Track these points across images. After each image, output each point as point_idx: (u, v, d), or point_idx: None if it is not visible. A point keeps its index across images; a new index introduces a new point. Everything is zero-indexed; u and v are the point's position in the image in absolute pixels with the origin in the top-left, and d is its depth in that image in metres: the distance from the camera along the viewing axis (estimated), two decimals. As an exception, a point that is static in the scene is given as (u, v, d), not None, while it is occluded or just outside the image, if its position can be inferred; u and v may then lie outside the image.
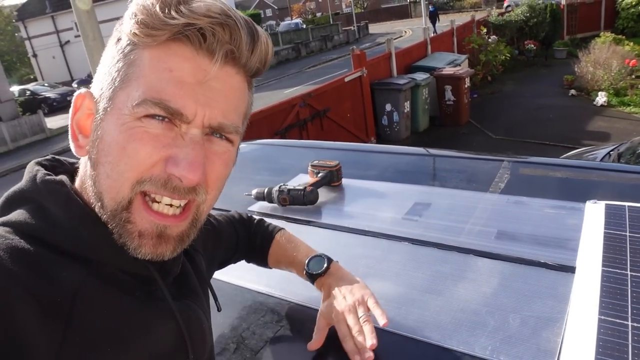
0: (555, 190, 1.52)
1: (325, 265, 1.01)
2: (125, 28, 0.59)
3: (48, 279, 0.54)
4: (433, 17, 26.41)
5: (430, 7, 27.03)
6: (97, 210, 0.60)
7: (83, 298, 0.55)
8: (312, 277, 1.02)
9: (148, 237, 0.59)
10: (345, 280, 0.98)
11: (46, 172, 0.63)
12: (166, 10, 0.56)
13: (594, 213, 1.30)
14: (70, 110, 0.63)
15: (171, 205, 0.60)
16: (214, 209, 0.73)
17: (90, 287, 0.57)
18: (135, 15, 0.57)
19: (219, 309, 0.81)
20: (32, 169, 0.64)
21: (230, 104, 0.61)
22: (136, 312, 0.61)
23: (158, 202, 0.59)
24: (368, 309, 0.91)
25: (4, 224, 0.58)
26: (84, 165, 0.64)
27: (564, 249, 1.18)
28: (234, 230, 1.09)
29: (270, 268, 1.14)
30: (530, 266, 1.13)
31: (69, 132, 0.63)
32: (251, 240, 1.12)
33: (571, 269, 1.09)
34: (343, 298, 0.94)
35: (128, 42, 0.59)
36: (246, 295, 1.18)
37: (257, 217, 1.18)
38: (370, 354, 0.85)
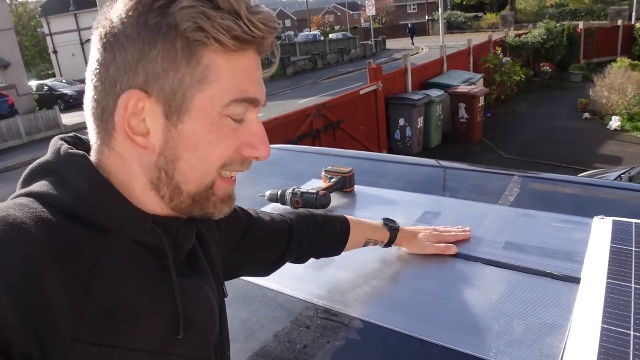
0: (563, 205, 1.54)
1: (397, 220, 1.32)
2: (188, 24, 0.58)
3: (70, 248, 0.56)
4: (412, 34, 36.67)
5: (409, 24, 38.86)
6: (166, 196, 0.65)
7: (101, 268, 0.58)
8: (397, 230, 1.29)
9: (227, 200, 0.70)
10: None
11: (70, 146, 0.65)
12: (247, 21, 0.60)
13: (601, 228, 1.32)
14: (118, 113, 0.61)
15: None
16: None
17: (108, 258, 0.59)
18: (207, 17, 0.58)
19: (225, 295, 0.83)
20: (57, 143, 0.66)
21: None
22: (149, 285, 0.64)
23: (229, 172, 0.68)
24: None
25: (28, 195, 0.60)
26: (129, 158, 0.64)
27: (570, 261, 1.20)
28: (287, 229, 1.09)
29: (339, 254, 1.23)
30: (536, 276, 1.16)
31: (124, 135, 0.62)
32: (330, 230, 1.17)
33: (576, 280, 1.11)
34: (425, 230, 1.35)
35: (195, 40, 0.59)
36: (257, 292, 1.21)
37: (309, 211, 1.20)
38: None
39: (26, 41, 40.61)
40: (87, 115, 0.66)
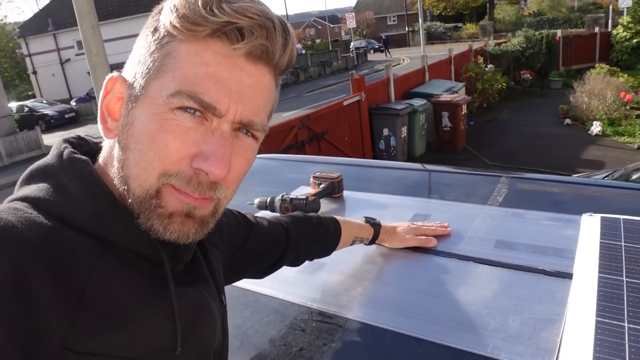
0: (551, 204, 1.55)
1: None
2: (164, 19, 0.60)
3: (64, 252, 0.55)
4: (385, 45, 38.69)
5: (383, 36, 41.43)
6: (120, 192, 0.61)
7: (98, 274, 0.56)
8: (380, 226, 1.33)
9: (178, 216, 0.61)
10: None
11: (73, 150, 0.65)
12: (208, 7, 0.58)
13: (590, 225, 1.33)
14: (101, 92, 0.65)
15: None
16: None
17: (105, 265, 0.57)
18: (176, 9, 0.59)
19: (222, 303, 0.81)
20: (60, 146, 0.65)
21: (260, 101, 0.63)
22: (145, 295, 0.62)
23: None
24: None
25: (24, 199, 0.59)
26: (109, 147, 0.65)
27: (561, 257, 1.21)
28: (284, 233, 1.08)
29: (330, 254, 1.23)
30: (528, 272, 1.16)
31: (98, 114, 0.65)
32: (324, 232, 1.17)
33: (569, 275, 1.12)
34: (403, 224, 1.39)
35: (165, 33, 0.60)
36: (249, 297, 1.20)
37: (303, 214, 1.20)
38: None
39: (5, 62, 40.28)
40: None
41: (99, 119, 0.65)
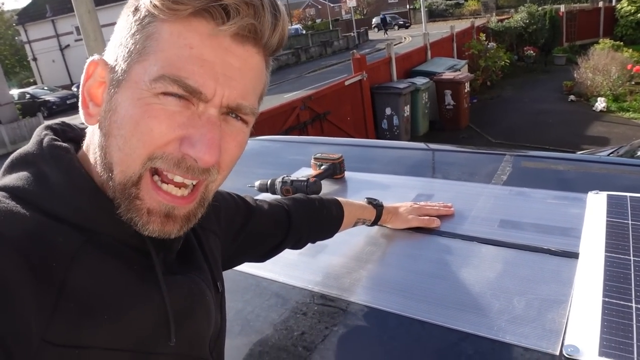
0: (556, 182, 1.53)
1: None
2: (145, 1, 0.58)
3: (42, 243, 0.53)
4: (383, 24, 39.24)
5: (381, 14, 42.10)
6: (104, 179, 0.59)
7: (79, 265, 0.54)
8: (382, 207, 1.30)
9: (156, 216, 0.59)
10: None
11: (54, 137, 0.62)
12: None
13: (596, 203, 1.31)
14: (82, 77, 0.62)
15: (180, 187, 0.59)
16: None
17: (87, 255, 0.55)
18: None
19: (218, 290, 0.79)
20: (41, 133, 0.63)
21: (249, 84, 0.60)
22: (132, 284, 0.59)
23: (167, 183, 0.59)
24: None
25: (2, 189, 0.57)
26: (91, 133, 0.63)
27: (567, 237, 1.18)
28: (285, 216, 1.06)
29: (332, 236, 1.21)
30: (534, 252, 1.14)
31: (79, 99, 0.62)
32: (327, 215, 1.15)
33: (575, 255, 1.10)
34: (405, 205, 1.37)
35: (147, 13, 0.57)
36: (250, 281, 1.19)
37: (306, 196, 1.18)
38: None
39: (4, 50, 40.09)
40: None
41: (80, 104, 0.62)
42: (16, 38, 40.84)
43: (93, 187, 0.59)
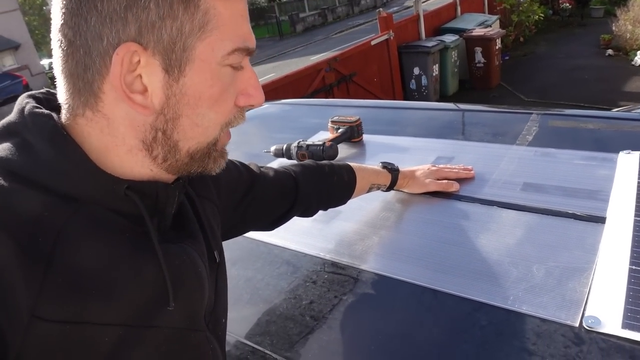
0: (586, 142, 1.44)
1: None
2: None
3: (28, 217, 0.51)
4: None
5: None
6: (159, 160, 0.60)
7: (67, 238, 0.52)
8: (398, 171, 1.25)
9: (224, 153, 0.67)
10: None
11: (36, 105, 0.59)
12: None
13: (627, 163, 1.23)
14: (114, 70, 0.54)
15: None
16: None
17: (75, 227, 0.53)
18: None
19: (215, 260, 0.76)
20: (22, 102, 0.60)
21: None
22: (125, 254, 0.57)
23: None
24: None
25: None
26: (124, 117, 0.57)
27: (594, 200, 1.12)
28: (292, 183, 1.03)
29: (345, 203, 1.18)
30: (557, 217, 1.08)
31: (122, 94, 0.55)
32: (338, 181, 1.12)
33: (601, 220, 1.03)
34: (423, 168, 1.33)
35: None
36: (261, 249, 1.16)
37: (315, 162, 1.14)
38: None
39: (34, 20, 40.43)
40: (58, 74, 0.58)
41: (123, 99, 0.56)
42: (44, 8, 41.13)
43: (80, 152, 0.56)
